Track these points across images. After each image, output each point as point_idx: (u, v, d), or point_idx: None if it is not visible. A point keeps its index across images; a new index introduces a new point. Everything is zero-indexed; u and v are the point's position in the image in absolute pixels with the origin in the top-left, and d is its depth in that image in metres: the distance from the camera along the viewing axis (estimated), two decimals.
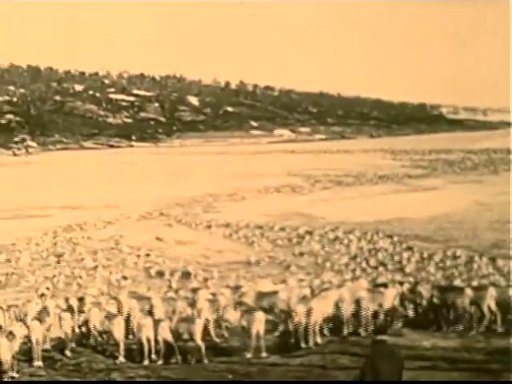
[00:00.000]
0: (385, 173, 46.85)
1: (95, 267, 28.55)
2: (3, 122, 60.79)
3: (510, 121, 51.13)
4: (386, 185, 43.57)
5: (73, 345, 15.05)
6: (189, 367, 13.62)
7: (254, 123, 69.58)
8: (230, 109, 72.30)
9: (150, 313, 15.54)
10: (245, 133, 67.36)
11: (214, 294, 16.72)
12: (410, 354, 13.56)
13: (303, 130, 69.02)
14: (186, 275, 27.71)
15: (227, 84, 77.50)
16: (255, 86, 77.72)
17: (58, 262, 29.47)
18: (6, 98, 65.49)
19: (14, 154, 54.63)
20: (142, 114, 69.72)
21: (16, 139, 57.68)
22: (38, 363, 14.10)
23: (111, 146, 61.93)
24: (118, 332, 14.64)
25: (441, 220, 34.17)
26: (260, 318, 14.45)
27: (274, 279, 21.59)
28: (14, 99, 65.25)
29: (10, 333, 13.66)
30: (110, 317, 14.98)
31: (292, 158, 54.78)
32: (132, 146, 62.52)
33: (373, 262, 29.01)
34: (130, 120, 68.60)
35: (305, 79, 70.21)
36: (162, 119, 69.42)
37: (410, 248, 29.76)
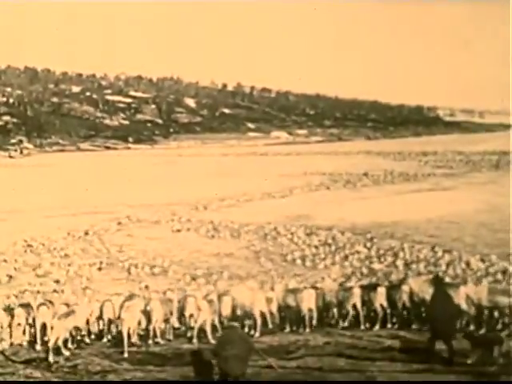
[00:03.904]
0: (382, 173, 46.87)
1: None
2: (0, 123, 60.75)
3: (508, 123, 51.22)
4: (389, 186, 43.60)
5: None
6: (185, 369, 13.60)
7: (250, 125, 69.62)
8: (226, 111, 72.34)
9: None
10: (242, 135, 67.38)
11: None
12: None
13: (300, 132, 69.05)
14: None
15: (224, 86, 77.51)
16: (252, 88, 77.76)
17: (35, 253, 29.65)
18: (3, 99, 65.45)
19: (10, 156, 54.56)
20: (139, 116, 69.72)
21: (13, 141, 57.63)
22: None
23: (108, 148, 61.89)
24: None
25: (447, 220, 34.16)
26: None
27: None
28: (11, 100, 65.23)
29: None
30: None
31: (290, 160, 54.78)
32: (129, 148, 62.46)
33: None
34: (126, 122, 68.58)
35: (302, 81, 70.20)
36: (159, 121, 69.43)
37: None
